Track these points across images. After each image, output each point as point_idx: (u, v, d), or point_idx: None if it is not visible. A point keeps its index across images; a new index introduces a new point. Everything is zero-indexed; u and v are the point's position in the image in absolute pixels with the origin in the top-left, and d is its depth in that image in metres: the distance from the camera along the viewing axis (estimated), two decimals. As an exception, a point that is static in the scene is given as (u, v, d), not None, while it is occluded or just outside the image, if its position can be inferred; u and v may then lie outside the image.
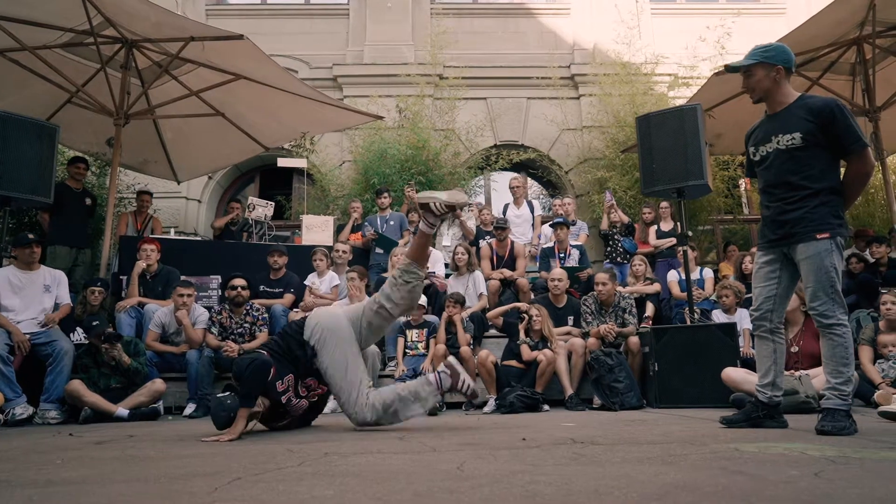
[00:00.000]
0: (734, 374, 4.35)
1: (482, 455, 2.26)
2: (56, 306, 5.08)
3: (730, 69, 3.11)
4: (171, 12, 5.82)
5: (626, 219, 7.43)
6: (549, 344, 5.20)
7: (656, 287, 6.38)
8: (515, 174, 8.72)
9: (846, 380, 2.77)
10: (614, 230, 7.37)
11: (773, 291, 3.02)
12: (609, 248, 7.44)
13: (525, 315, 5.34)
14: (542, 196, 10.26)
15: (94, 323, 4.67)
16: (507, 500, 1.50)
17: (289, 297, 6.10)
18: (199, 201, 9.69)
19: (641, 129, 5.49)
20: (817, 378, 3.94)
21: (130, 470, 2.11)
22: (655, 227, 7.42)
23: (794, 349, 4.51)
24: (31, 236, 5.20)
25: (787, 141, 2.91)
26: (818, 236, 2.79)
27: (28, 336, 4.69)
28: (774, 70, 2.96)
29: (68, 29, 5.80)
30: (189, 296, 5.34)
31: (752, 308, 3.16)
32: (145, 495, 1.67)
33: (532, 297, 6.28)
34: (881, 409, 3.46)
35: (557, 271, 5.88)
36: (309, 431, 3.49)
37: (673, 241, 6.86)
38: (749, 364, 4.77)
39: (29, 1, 5.41)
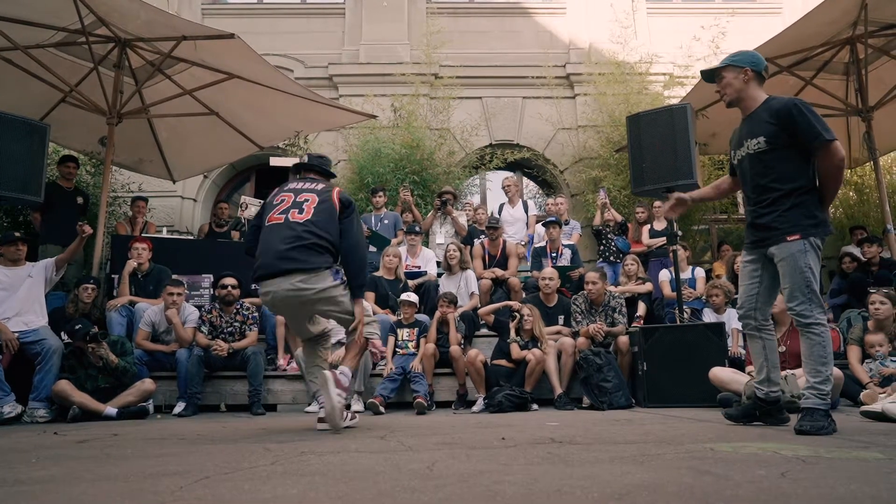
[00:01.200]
0: (721, 373, 4.35)
1: (456, 455, 2.27)
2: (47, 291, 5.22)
3: (703, 75, 3.18)
4: (163, 11, 5.80)
5: (619, 217, 7.42)
6: (539, 344, 5.19)
7: (648, 286, 6.36)
8: (510, 173, 8.69)
9: (825, 379, 2.77)
10: (607, 228, 7.36)
11: (756, 290, 3.07)
12: (602, 247, 7.44)
13: (517, 314, 5.33)
14: (537, 196, 10.25)
15: (77, 326, 4.64)
16: (468, 499, 1.50)
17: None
18: (195, 200, 9.68)
19: (632, 129, 5.48)
20: (803, 378, 3.92)
21: (102, 469, 2.12)
22: (649, 226, 7.41)
23: (782, 349, 4.49)
24: (17, 234, 5.22)
25: (755, 145, 2.96)
26: (789, 238, 2.82)
27: (16, 334, 4.69)
28: (743, 72, 3.01)
29: (60, 28, 5.79)
30: (179, 294, 5.35)
31: (737, 306, 3.19)
32: (108, 494, 1.67)
33: (523, 296, 6.27)
34: (863, 408, 3.46)
35: (548, 270, 5.87)
36: (298, 431, 3.49)
37: (664, 240, 6.84)
38: (737, 364, 4.78)
39: (20, -1, 5.42)
